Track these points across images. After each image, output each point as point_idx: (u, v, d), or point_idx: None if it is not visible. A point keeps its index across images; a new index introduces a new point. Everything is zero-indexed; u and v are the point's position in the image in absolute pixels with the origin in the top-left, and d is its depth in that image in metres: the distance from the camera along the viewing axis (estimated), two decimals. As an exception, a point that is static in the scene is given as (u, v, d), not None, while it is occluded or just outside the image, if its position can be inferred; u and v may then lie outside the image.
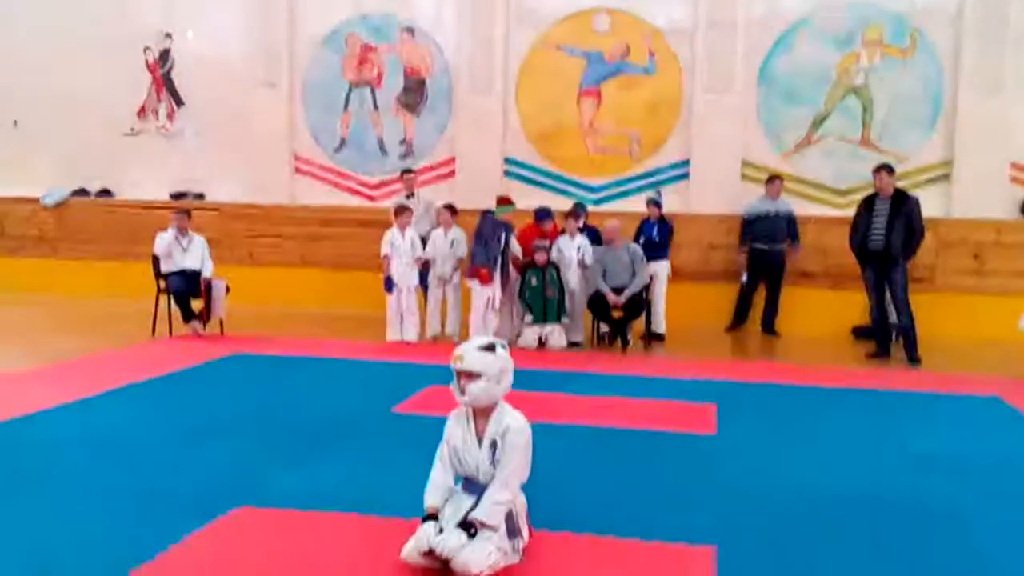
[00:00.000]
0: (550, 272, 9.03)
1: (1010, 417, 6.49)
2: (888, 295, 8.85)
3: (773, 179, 10.29)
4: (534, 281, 8.98)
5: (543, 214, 9.52)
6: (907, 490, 4.74)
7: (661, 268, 9.69)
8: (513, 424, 3.64)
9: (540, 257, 9.03)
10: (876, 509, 4.43)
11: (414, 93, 11.57)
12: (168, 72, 12.14)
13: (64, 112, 12.17)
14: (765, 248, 10.11)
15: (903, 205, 8.58)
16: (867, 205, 8.83)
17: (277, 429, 5.67)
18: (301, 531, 3.97)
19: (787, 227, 10.15)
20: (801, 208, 10.53)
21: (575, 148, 11.22)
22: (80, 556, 3.63)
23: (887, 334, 8.98)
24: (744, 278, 10.27)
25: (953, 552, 3.92)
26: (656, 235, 9.68)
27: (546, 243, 9.13)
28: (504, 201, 9.27)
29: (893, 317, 8.96)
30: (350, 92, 11.69)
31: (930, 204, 10.21)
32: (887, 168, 8.76)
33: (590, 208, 10.18)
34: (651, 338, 9.42)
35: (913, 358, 8.62)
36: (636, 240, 9.66)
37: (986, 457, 5.40)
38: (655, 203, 9.84)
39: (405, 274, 9.18)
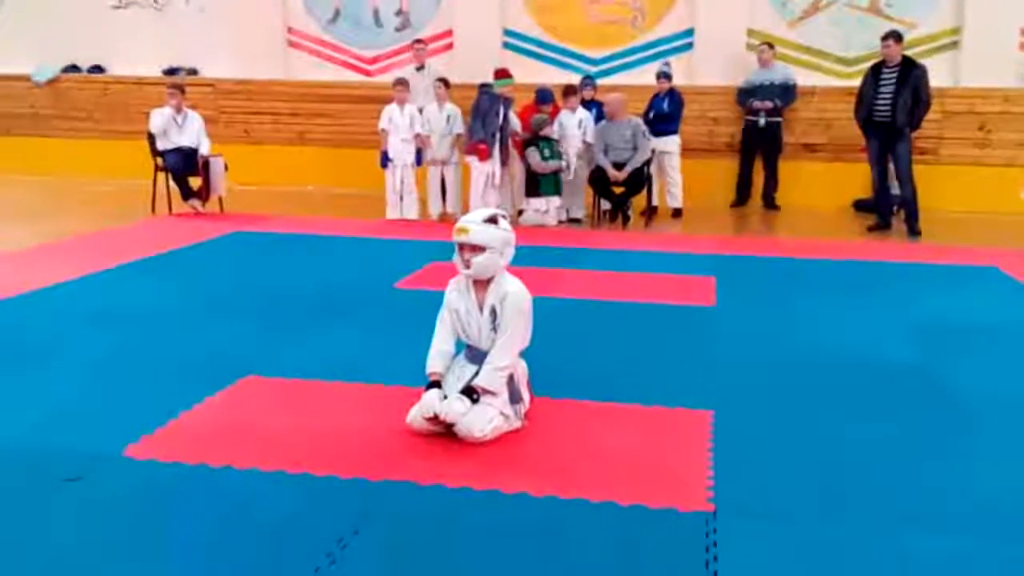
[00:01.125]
0: (552, 145, 8.93)
1: (1007, 286, 6.54)
2: (891, 167, 8.77)
3: (762, 47, 10.03)
4: (547, 152, 8.87)
5: (544, 96, 9.29)
6: (902, 356, 4.82)
7: (671, 143, 9.54)
8: (512, 291, 3.67)
9: (547, 131, 8.91)
10: (871, 374, 4.51)
11: (409, -40, 11.19)
12: (154, -59, 11.73)
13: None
14: (758, 119, 9.94)
15: (910, 74, 8.41)
16: (874, 74, 8.65)
17: (281, 304, 5.73)
18: (308, 399, 4.06)
19: (783, 96, 9.94)
20: (807, 78, 10.35)
21: (576, 18, 10.92)
22: (91, 424, 3.73)
23: (888, 206, 8.95)
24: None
25: (943, 411, 4.01)
26: (667, 108, 9.49)
27: (548, 119, 8.98)
28: (502, 74, 9.07)
29: (895, 189, 8.91)
30: (343, -41, 11.31)
31: (937, 73, 10.00)
32: (895, 36, 8.55)
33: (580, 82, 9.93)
34: (652, 213, 9.39)
35: (914, 230, 8.63)
36: (646, 115, 9.50)
37: (981, 324, 5.46)
38: (665, 75, 9.60)
39: (402, 150, 9.07)
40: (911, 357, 4.81)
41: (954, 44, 10.13)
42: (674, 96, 9.56)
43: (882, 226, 8.86)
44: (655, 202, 9.52)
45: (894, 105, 8.44)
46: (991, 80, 9.94)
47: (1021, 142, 9.95)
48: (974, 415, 4.00)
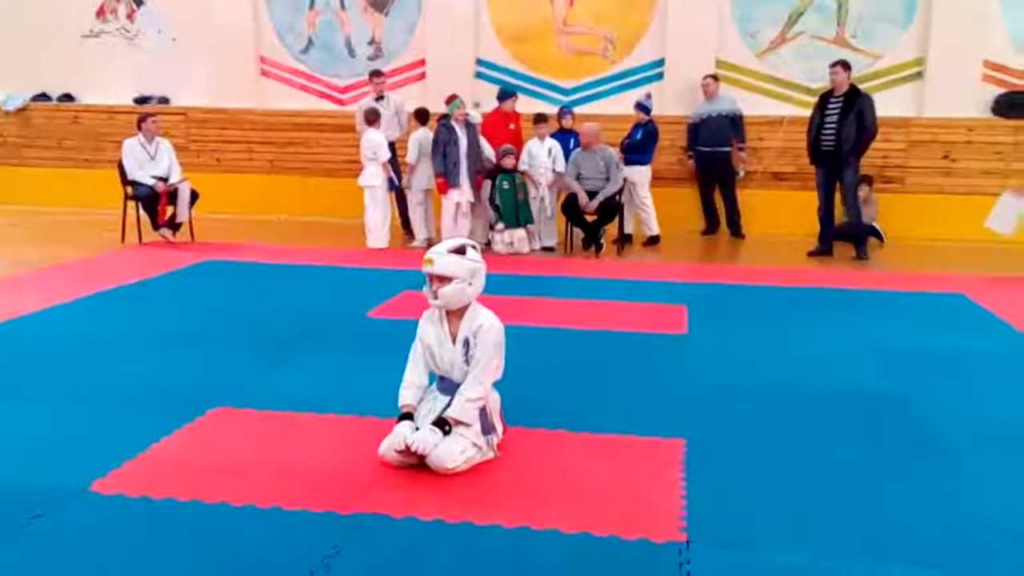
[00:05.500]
0: (518, 176, 8.99)
1: (974, 313, 6.63)
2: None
3: (706, 80, 10.16)
4: (505, 185, 8.94)
5: (504, 94, 9.49)
6: (873, 383, 4.86)
7: (638, 172, 9.56)
8: (485, 323, 3.68)
9: (508, 162, 8.97)
10: (843, 401, 4.54)
11: (382, -10, 11.27)
12: (126, -30, 11.73)
13: (21, 14, 11.75)
14: (707, 151, 10.06)
15: (854, 102, 8.53)
16: (821, 103, 8.80)
17: (252, 334, 5.68)
18: (279, 430, 4.02)
19: (732, 127, 10.04)
20: (774, 108, 10.50)
21: (548, 48, 11.02)
22: (57, 458, 3.67)
23: (831, 233, 9.03)
24: None
25: (913, 436, 4.06)
26: (639, 138, 9.55)
27: (513, 149, 9.06)
28: (452, 98, 8.97)
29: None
30: (316, -11, 11.37)
31: (902, 103, 10.23)
32: (843, 64, 8.70)
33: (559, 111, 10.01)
34: (624, 242, 9.44)
35: (860, 255, 8.83)
36: (622, 143, 9.58)
37: (950, 351, 5.53)
38: (642, 108, 9.65)
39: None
40: (882, 384, 4.86)
41: (918, 75, 10.33)
42: (647, 128, 9.63)
43: (824, 251, 8.95)
44: (628, 231, 9.60)
45: (839, 133, 8.57)
46: (955, 110, 10.13)
47: (985, 170, 10.13)
48: (946, 442, 4.04)
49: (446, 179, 8.78)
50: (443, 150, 8.77)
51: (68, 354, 5.15)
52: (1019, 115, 10.06)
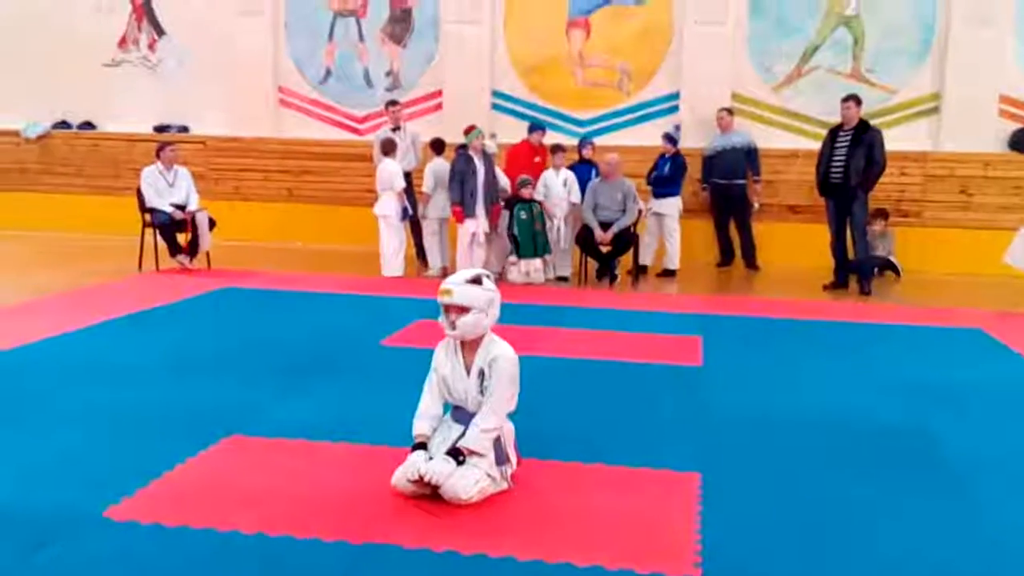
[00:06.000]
0: (535, 205, 9.01)
1: (992, 348, 6.57)
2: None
3: (721, 113, 10.20)
4: (524, 215, 8.95)
5: (533, 127, 9.62)
6: (890, 417, 4.82)
7: (668, 205, 9.60)
8: (501, 353, 3.68)
9: (526, 192, 9.00)
10: (859, 435, 4.50)
11: (400, 23, 11.38)
12: (149, 0, 11.89)
13: (44, 43, 11.92)
14: (723, 183, 10.06)
15: (863, 136, 8.53)
16: (831, 137, 8.81)
17: (266, 361, 5.69)
18: (292, 459, 4.01)
19: (746, 160, 10.04)
20: (790, 142, 10.51)
21: (564, 81, 11.10)
22: (71, 485, 3.67)
23: (846, 266, 8.99)
24: None
25: (931, 473, 4.01)
26: (667, 171, 9.58)
27: (530, 179, 9.09)
28: (470, 129, 9.06)
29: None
30: (334, 21, 11.49)
31: (918, 137, 10.21)
32: (855, 98, 8.71)
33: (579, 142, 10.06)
34: (639, 273, 9.44)
35: (864, 290, 8.75)
36: (649, 175, 9.61)
37: (967, 385, 5.48)
38: (669, 139, 9.71)
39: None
40: (899, 418, 4.81)
41: (935, 109, 10.33)
42: (676, 160, 9.65)
43: (839, 285, 8.92)
44: (645, 262, 9.59)
45: (847, 167, 8.56)
46: (971, 145, 10.12)
47: (1002, 205, 10.09)
48: (963, 477, 3.99)
49: (463, 208, 8.82)
50: (461, 179, 8.81)
51: (82, 381, 5.16)
52: (1036, 150, 10.05)
